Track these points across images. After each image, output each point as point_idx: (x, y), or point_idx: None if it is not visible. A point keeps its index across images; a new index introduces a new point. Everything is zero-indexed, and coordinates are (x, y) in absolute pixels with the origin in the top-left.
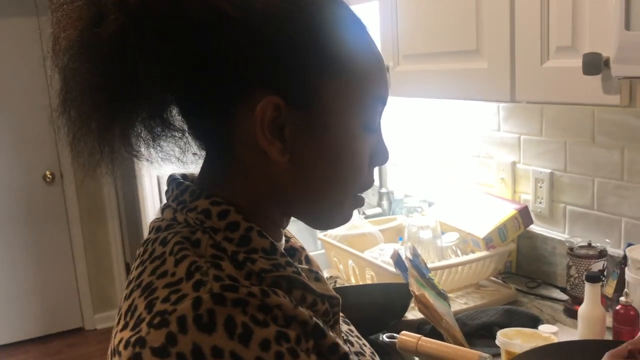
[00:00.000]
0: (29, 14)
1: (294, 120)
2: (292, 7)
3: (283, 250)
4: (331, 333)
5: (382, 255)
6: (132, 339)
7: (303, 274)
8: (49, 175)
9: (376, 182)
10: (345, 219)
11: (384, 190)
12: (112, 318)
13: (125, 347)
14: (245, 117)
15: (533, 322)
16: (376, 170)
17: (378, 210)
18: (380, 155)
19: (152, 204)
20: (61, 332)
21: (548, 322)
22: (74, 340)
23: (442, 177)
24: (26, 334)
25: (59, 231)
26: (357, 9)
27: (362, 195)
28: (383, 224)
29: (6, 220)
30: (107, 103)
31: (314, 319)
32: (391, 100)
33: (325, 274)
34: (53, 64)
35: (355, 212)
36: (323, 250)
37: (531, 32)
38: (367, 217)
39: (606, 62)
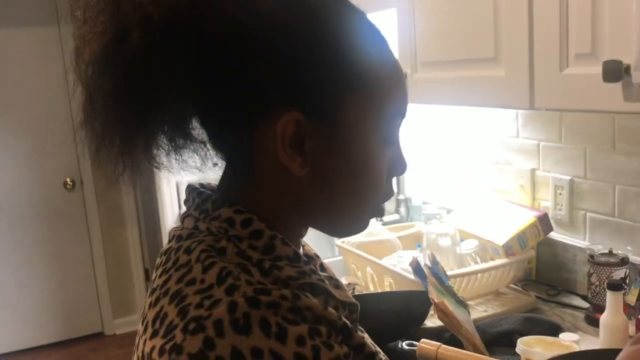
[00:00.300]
0: (50, 23)
1: (314, 134)
2: (313, 22)
3: (305, 258)
4: (358, 333)
5: (400, 262)
6: (167, 346)
7: (326, 281)
8: (69, 182)
9: (394, 188)
10: (363, 227)
11: (401, 197)
12: (132, 323)
13: (160, 354)
14: (266, 131)
15: (554, 330)
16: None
17: (396, 216)
18: (398, 167)
19: (171, 210)
20: (81, 337)
21: (569, 331)
22: (94, 345)
23: (460, 184)
24: (47, 338)
25: (79, 237)
26: (374, 16)
27: (382, 205)
28: (401, 230)
29: (27, 226)
30: (130, 117)
31: (343, 318)
32: (409, 107)
33: (344, 281)
34: (76, 77)
35: (373, 218)
36: (341, 257)
37: (550, 39)
38: (384, 223)
39: (627, 70)
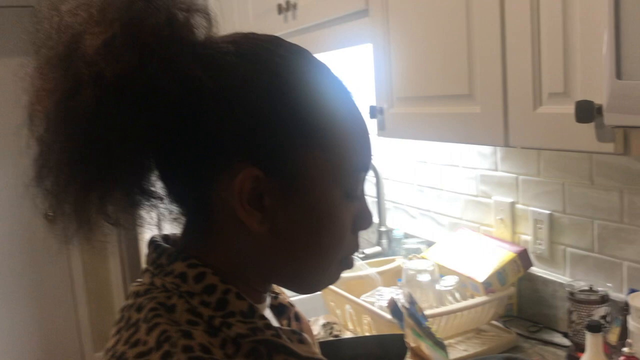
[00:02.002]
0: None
1: (274, 190)
2: (272, 78)
3: (267, 311)
4: None
5: (380, 300)
6: None
7: (284, 336)
8: (50, 213)
9: (375, 220)
10: (331, 282)
11: (383, 228)
12: None
13: None
14: (223, 186)
15: None
16: (375, 209)
17: (377, 249)
18: (363, 221)
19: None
20: None
21: None
22: None
23: (440, 217)
24: None
25: (59, 269)
26: (350, 51)
27: (350, 257)
28: (382, 265)
29: (7, 258)
30: (83, 175)
31: None
32: (388, 140)
33: (322, 320)
34: (30, 132)
35: (353, 264)
36: (320, 294)
37: (523, 78)
38: (366, 256)
39: (599, 110)
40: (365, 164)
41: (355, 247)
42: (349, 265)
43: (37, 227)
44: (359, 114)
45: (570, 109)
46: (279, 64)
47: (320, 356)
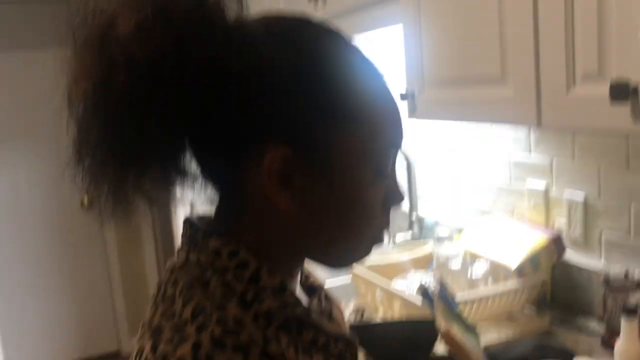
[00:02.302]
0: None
1: (303, 170)
2: (299, 58)
3: (297, 289)
4: None
5: (410, 286)
6: None
7: (314, 314)
8: (85, 202)
9: (407, 208)
10: (361, 257)
11: (414, 215)
12: None
13: None
14: (254, 166)
15: (567, 356)
16: (406, 196)
17: (409, 235)
18: (394, 199)
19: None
20: (98, 356)
21: (584, 356)
22: None
23: (473, 203)
24: (64, 357)
25: (95, 255)
26: (381, 32)
27: (381, 233)
28: (413, 251)
29: (45, 246)
30: (120, 154)
31: None
32: (420, 126)
33: (353, 305)
34: (70, 113)
35: (385, 239)
36: (350, 279)
37: (556, 58)
38: (397, 243)
39: (635, 90)
40: (396, 142)
41: (386, 224)
42: (379, 240)
43: (73, 216)
44: (389, 92)
45: (605, 89)
46: (308, 43)
47: (349, 334)
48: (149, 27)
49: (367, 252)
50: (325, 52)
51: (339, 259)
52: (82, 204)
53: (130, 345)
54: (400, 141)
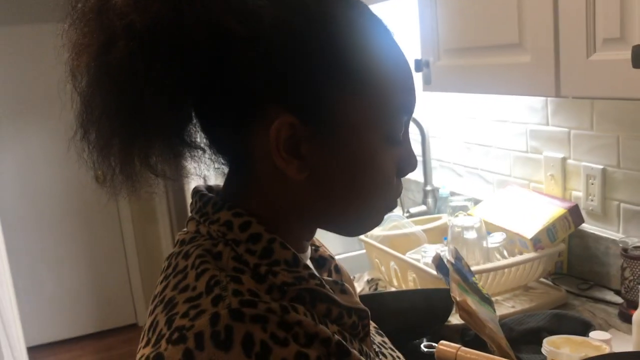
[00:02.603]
0: None
1: (311, 137)
2: (304, 20)
3: (308, 262)
4: (355, 351)
5: (424, 257)
6: (151, 355)
7: (327, 286)
8: (100, 175)
9: (421, 180)
10: (375, 224)
11: (429, 187)
12: None
13: None
14: (261, 135)
15: (584, 327)
16: (420, 167)
17: (423, 208)
18: (407, 166)
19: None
20: (115, 328)
21: (601, 327)
22: (127, 336)
23: (488, 174)
24: (82, 330)
25: (111, 229)
26: (395, 1)
27: (394, 201)
28: (427, 223)
29: (60, 220)
30: (123, 127)
31: (336, 336)
32: (434, 95)
33: (367, 276)
34: (73, 87)
35: (399, 211)
36: (364, 251)
37: (576, 24)
38: (411, 215)
39: None
40: (408, 107)
41: (398, 192)
42: (391, 207)
43: (88, 190)
44: (401, 53)
45: (627, 54)
46: (311, 5)
47: (362, 305)
48: None
49: (379, 219)
50: (329, 13)
51: (351, 227)
52: (96, 178)
53: (147, 318)
54: (413, 107)
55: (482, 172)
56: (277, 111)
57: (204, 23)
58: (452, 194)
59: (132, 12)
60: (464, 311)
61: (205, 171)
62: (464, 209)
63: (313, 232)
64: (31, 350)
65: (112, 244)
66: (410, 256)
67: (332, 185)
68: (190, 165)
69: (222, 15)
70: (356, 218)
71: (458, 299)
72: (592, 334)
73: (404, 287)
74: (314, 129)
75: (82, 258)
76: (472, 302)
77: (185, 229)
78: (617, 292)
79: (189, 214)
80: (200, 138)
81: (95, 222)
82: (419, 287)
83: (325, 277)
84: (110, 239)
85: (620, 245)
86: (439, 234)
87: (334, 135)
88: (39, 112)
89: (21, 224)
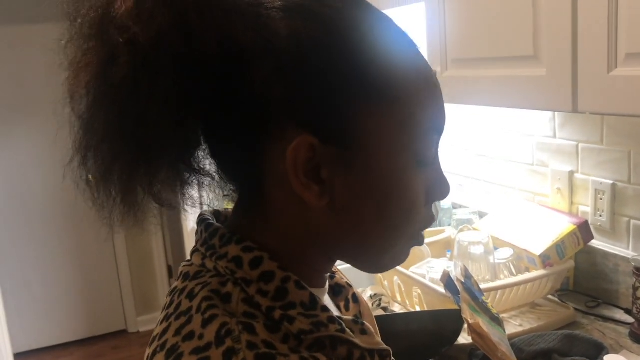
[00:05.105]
0: None
1: (332, 160)
2: (321, 32)
3: (326, 297)
4: None
5: (430, 272)
6: None
7: (348, 329)
8: (91, 179)
9: None
10: (401, 260)
11: None
12: (155, 321)
13: None
14: (277, 158)
15: (597, 350)
16: None
17: None
18: (439, 191)
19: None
20: (105, 335)
21: (612, 348)
22: (117, 343)
23: (493, 187)
24: (71, 335)
25: (102, 234)
26: (402, 10)
27: (422, 233)
28: (430, 236)
29: (51, 224)
30: (125, 152)
31: None
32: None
33: (369, 291)
34: (72, 110)
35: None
36: None
37: (597, 37)
38: None
39: None
40: (438, 124)
41: (430, 220)
42: (419, 242)
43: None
44: (428, 67)
45: None
46: (330, 14)
47: (383, 346)
48: (147, 4)
49: (404, 254)
50: (350, 23)
51: (373, 261)
52: (87, 182)
53: (137, 324)
54: (444, 125)
55: (485, 184)
56: (295, 131)
57: (214, 36)
58: (455, 205)
59: (135, 26)
60: (477, 334)
61: (215, 201)
62: (469, 222)
63: (332, 265)
64: (18, 356)
65: (102, 248)
66: (414, 271)
67: (355, 212)
68: (197, 193)
69: (234, 28)
70: (379, 250)
71: (470, 321)
72: (607, 357)
73: (407, 303)
74: (336, 150)
75: (71, 263)
76: (484, 324)
77: (189, 260)
78: (627, 311)
79: (186, 221)
80: (210, 165)
81: (85, 226)
82: (424, 304)
83: (345, 317)
84: (100, 242)
85: (633, 264)
86: (442, 248)
87: (357, 156)
88: (27, 115)
89: (8, 227)
